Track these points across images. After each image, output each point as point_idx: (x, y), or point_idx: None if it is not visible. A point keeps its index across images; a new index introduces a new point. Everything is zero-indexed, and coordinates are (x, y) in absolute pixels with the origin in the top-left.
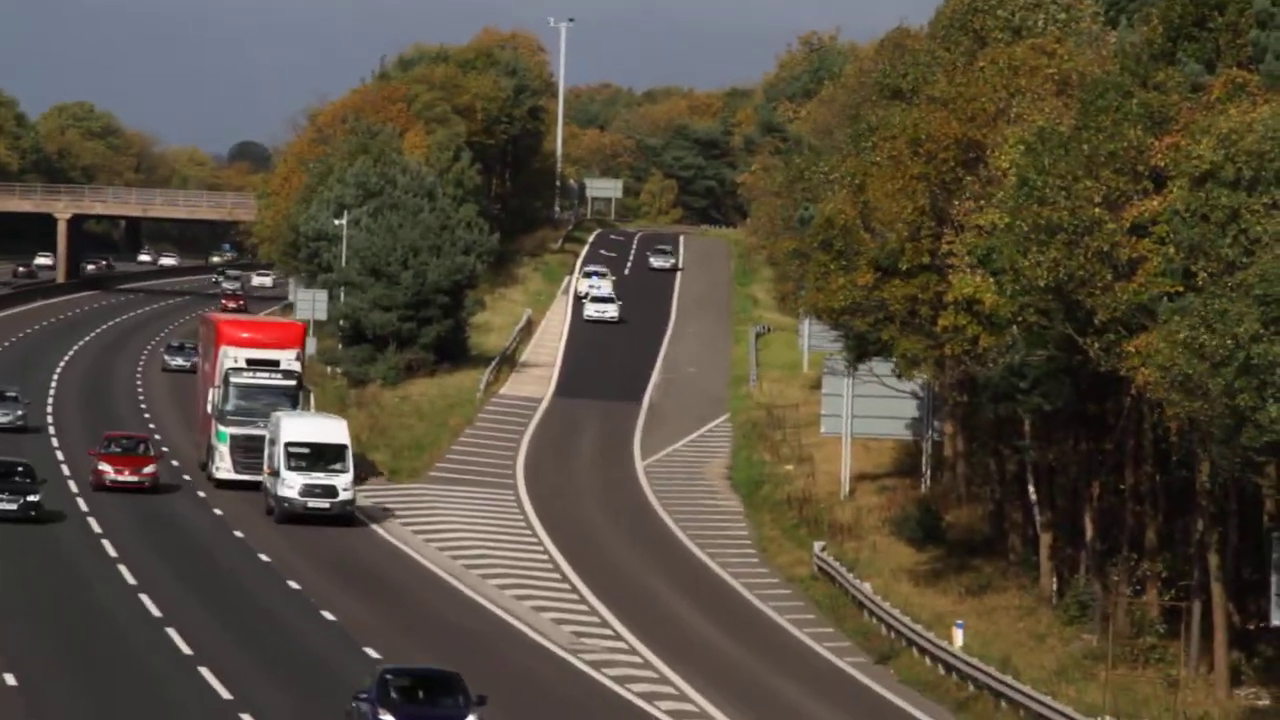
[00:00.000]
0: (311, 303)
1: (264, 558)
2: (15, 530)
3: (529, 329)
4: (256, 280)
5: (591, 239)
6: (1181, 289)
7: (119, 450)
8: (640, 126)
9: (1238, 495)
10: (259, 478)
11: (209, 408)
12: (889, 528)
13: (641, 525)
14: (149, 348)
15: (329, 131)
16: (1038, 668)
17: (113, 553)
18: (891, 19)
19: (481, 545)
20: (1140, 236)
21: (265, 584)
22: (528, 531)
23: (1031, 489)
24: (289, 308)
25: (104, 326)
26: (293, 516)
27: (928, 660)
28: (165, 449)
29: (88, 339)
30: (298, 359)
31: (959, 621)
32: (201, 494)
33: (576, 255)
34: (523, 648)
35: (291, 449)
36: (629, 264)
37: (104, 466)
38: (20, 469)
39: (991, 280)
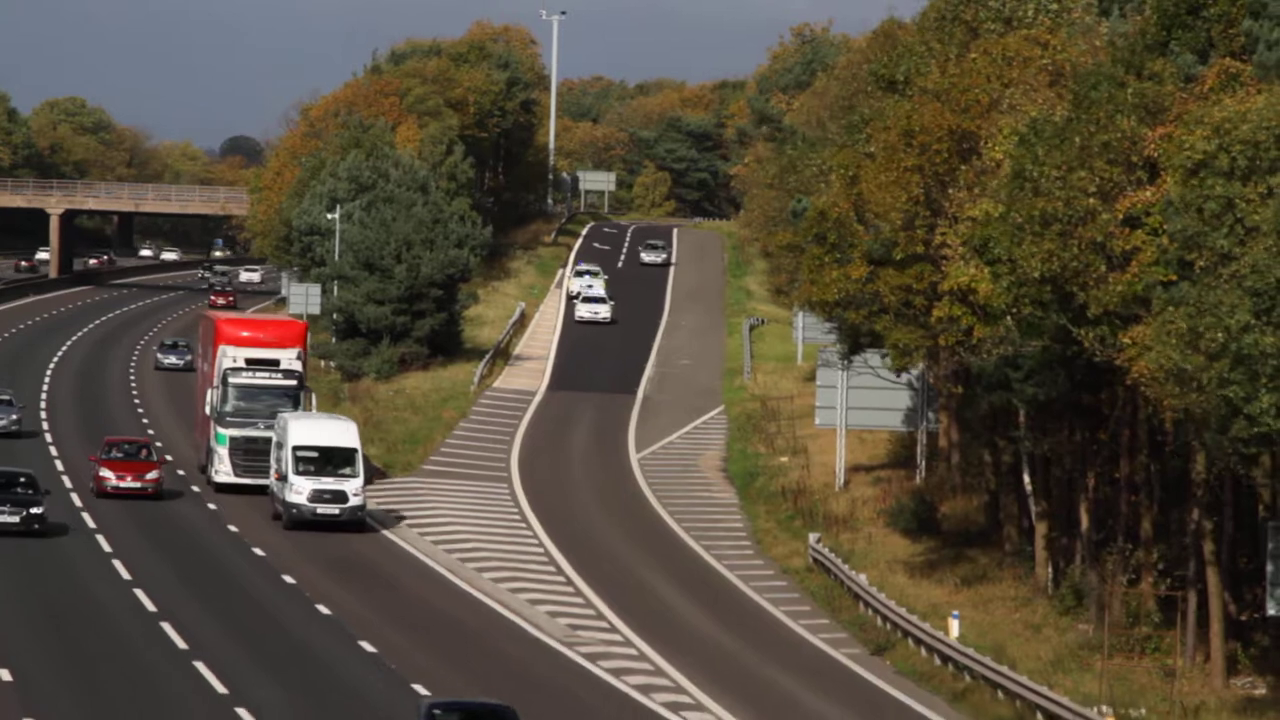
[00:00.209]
0: (305, 297)
1: (259, 551)
2: (18, 540)
3: (523, 322)
4: (244, 275)
5: (585, 232)
6: (1175, 279)
7: (121, 455)
8: (633, 119)
9: (1233, 485)
10: (260, 481)
11: (207, 409)
12: (884, 519)
13: (636, 518)
14: (141, 344)
15: (321, 126)
16: (1034, 658)
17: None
18: (883, 11)
19: (476, 538)
20: (1134, 228)
21: (263, 580)
22: (522, 524)
23: (1026, 479)
24: (281, 302)
25: (96, 322)
26: (302, 523)
27: (924, 651)
28: (169, 456)
29: (80, 334)
30: (299, 358)
31: (955, 612)
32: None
33: (570, 248)
34: (518, 641)
35: (300, 453)
36: (622, 257)
37: (106, 473)
38: (22, 479)
39: (987, 270)
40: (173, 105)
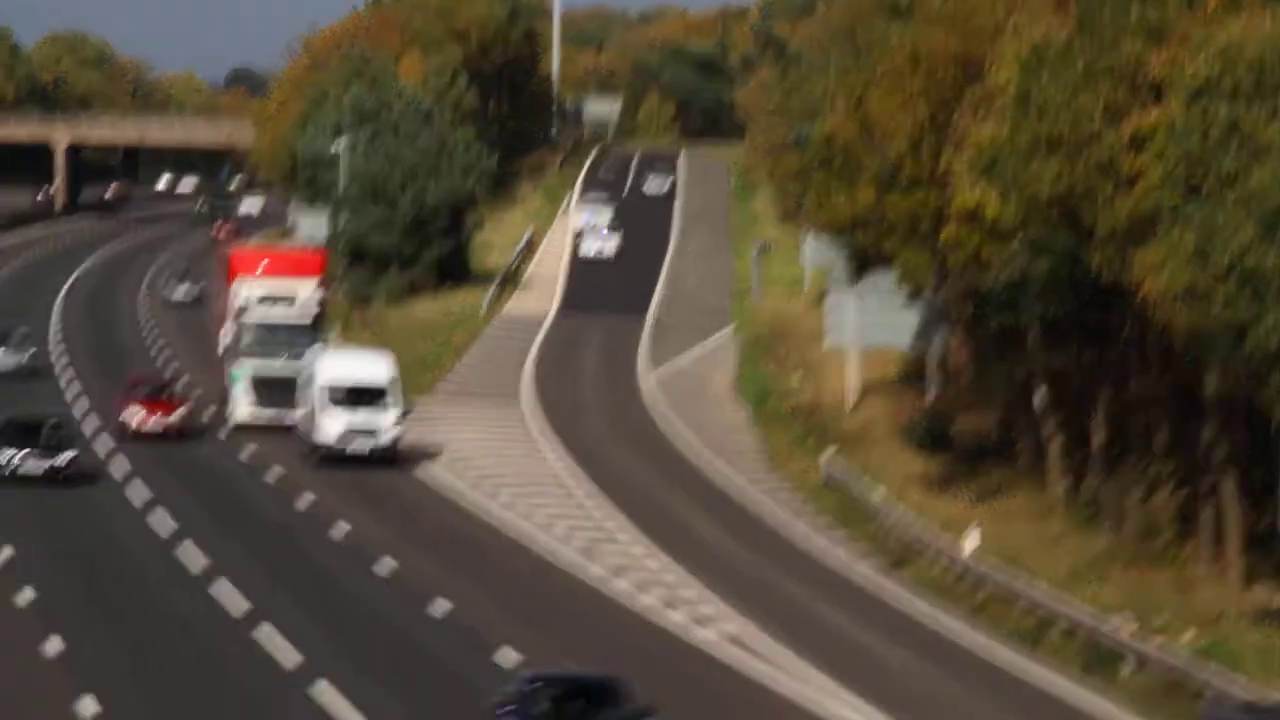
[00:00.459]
0: (312, 226)
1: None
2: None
3: (531, 248)
4: (244, 207)
5: (590, 159)
6: (1181, 201)
7: (146, 394)
8: (637, 47)
9: (1246, 399)
10: (279, 418)
11: (223, 345)
12: (897, 436)
13: (648, 438)
14: (149, 275)
15: (324, 57)
16: (1052, 570)
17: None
18: None
19: (489, 460)
20: (1140, 150)
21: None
22: (535, 446)
23: (1037, 398)
24: (288, 231)
25: (103, 251)
26: (333, 459)
27: (941, 566)
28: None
29: (88, 264)
30: (316, 290)
31: (973, 525)
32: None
33: (575, 177)
34: (533, 561)
35: (330, 388)
36: (628, 185)
37: (130, 412)
38: (51, 424)
39: (993, 191)
40: (175, 37)
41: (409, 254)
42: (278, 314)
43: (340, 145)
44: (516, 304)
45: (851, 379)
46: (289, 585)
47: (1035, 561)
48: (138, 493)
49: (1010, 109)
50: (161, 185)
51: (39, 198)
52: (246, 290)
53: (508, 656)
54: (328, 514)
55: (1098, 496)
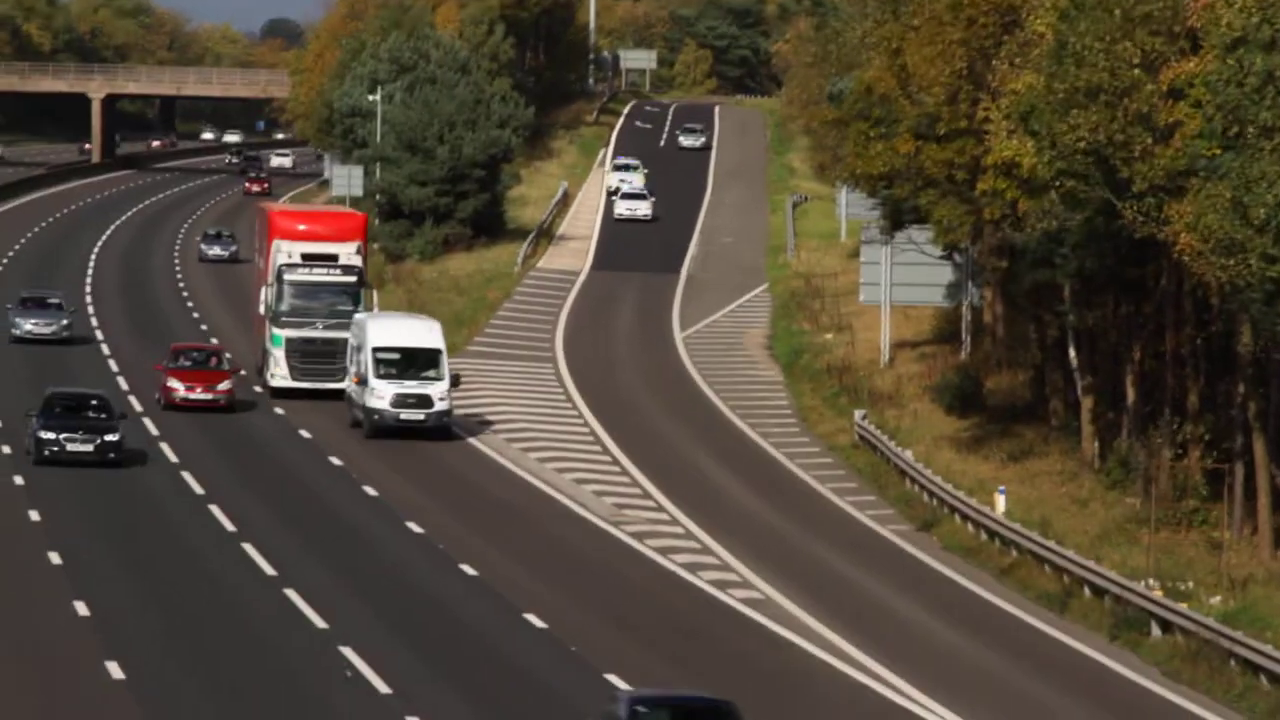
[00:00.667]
0: (348, 179)
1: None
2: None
3: (565, 202)
4: (275, 160)
5: (626, 110)
6: (1220, 152)
7: (190, 364)
8: None
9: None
10: (319, 385)
11: (262, 308)
12: (929, 395)
13: (681, 396)
14: (183, 231)
15: (361, 7)
16: (1080, 532)
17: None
18: None
19: (521, 419)
20: (1177, 99)
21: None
22: (567, 404)
23: (1072, 353)
24: (324, 185)
25: (139, 207)
26: (384, 430)
27: (970, 527)
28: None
29: (123, 219)
30: (359, 252)
31: (1001, 487)
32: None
33: (611, 128)
34: (565, 520)
35: (380, 355)
36: (664, 137)
37: (174, 383)
38: (94, 401)
39: (1030, 143)
40: None
41: (445, 208)
42: (319, 276)
43: (377, 96)
44: (550, 259)
45: (885, 336)
46: (317, 546)
47: (1064, 523)
48: (172, 457)
49: (1047, 58)
50: (207, 135)
51: (82, 152)
52: (287, 250)
53: (533, 622)
54: (361, 473)
55: (1128, 458)
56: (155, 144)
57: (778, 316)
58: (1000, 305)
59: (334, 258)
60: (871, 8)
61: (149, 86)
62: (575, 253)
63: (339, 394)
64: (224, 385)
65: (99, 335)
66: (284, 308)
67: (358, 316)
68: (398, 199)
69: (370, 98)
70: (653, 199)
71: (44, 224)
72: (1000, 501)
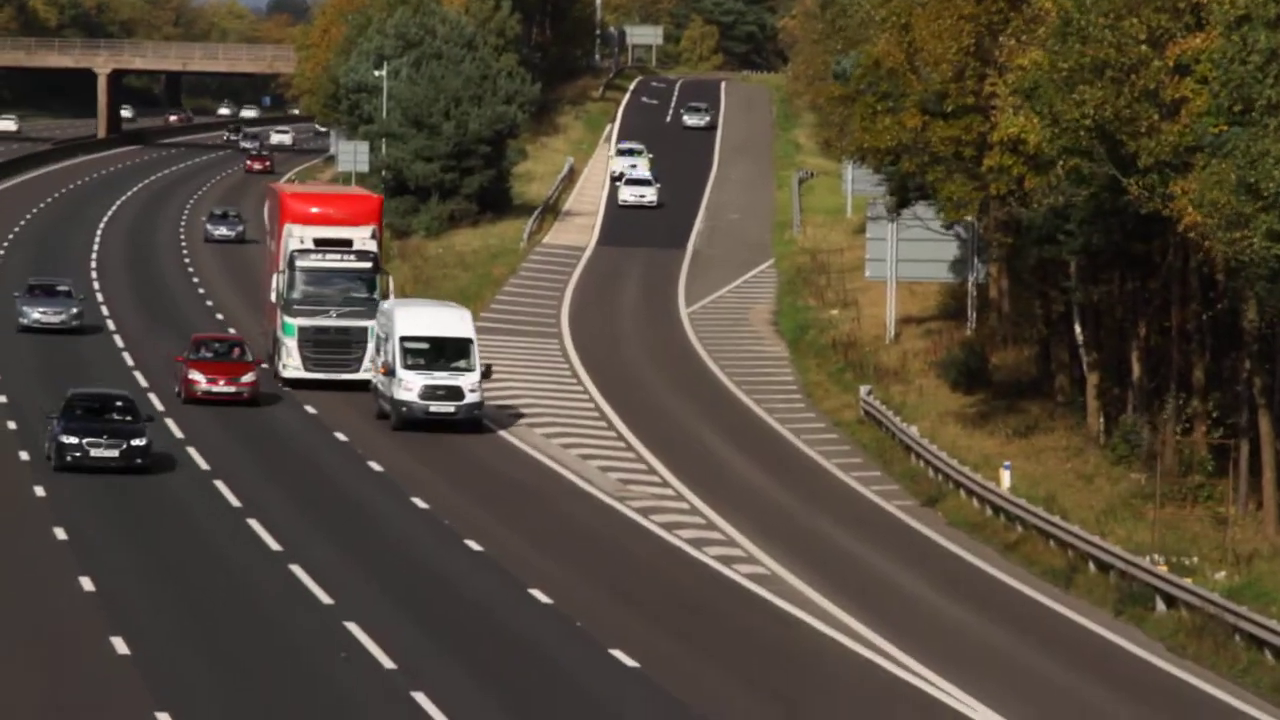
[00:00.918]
0: (353, 155)
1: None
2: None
3: (571, 178)
4: (275, 137)
5: (632, 87)
6: (1226, 128)
7: (211, 356)
8: None
9: None
10: (332, 375)
11: (273, 295)
12: (935, 371)
13: (687, 372)
14: (188, 208)
15: None
16: (1086, 508)
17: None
18: None
19: (527, 394)
20: (1183, 75)
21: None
22: (573, 380)
23: (1078, 329)
24: (330, 161)
25: (144, 182)
26: (412, 422)
27: (975, 502)
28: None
29: (128, 195)
30: (373, 237)
31: (1006, 463)
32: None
33: (618, 103)
34: (569, 496)
35: (408, 344)
36: (669, 113)
37: (195, 375)
38: (119, 403)
39: (1036, 119)
40: None
41: (450, 183)
42: (332, 263)
43: (383, 72)
44: (556, 235)
45: (890, 312)
46: (324, 521)
47: (1069, 499)
48: (181, 435)
49: (1053, 35)
50: (224, 111)
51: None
52: (299, 235)
53: (539, 597)
54: (365, 448)
55: (1133, 433)
56: (172, 119)
57: (783, 292)
58: (1006, 281)
59: (348, 243)
60: None
61: (155, 62)
62: (581, 228)
63: (354, 384)
64: (247, 378)
65: (110, 325)
66: (296, 295)
67: (384, 304)
68: (403, 175)
69: (376, 73)
70: (658, 185)
71: (49, 200)
72: (1005, 477)
